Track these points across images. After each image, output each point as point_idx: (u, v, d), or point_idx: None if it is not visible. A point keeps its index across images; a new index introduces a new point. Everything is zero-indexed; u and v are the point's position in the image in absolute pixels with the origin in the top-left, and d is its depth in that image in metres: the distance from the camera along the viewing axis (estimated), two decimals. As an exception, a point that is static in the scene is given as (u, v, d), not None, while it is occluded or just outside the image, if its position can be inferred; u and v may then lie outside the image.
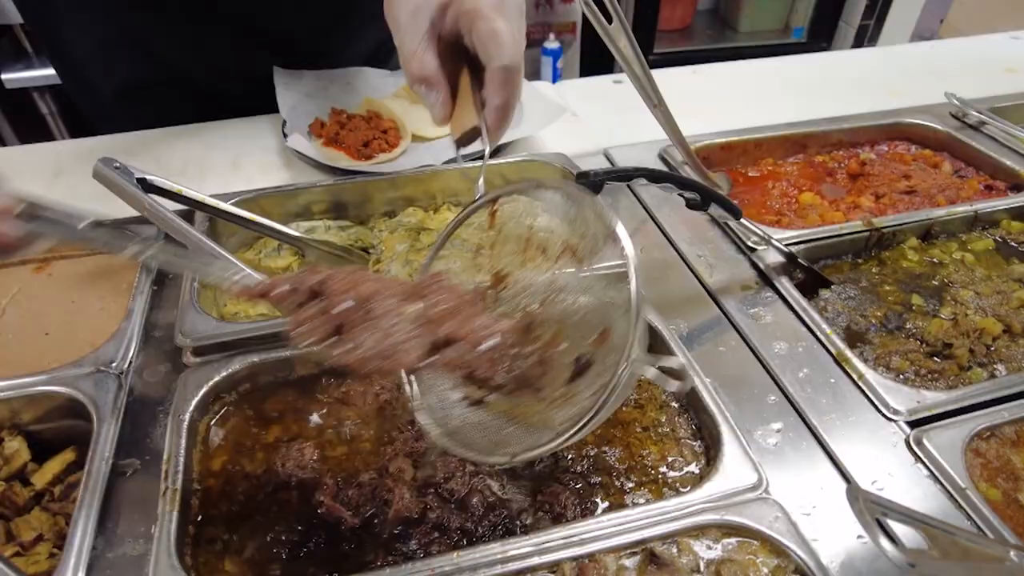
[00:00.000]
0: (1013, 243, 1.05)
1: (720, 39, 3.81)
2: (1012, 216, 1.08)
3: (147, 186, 0.91)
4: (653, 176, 0.77)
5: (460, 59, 0.76)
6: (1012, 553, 0.57)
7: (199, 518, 0.69)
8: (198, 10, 1.20)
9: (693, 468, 0.73)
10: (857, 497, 0.48)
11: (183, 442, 0.72)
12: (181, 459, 0.70)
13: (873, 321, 0.90)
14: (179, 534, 0.64)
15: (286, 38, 1.30)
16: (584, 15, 0.91)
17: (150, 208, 0.89)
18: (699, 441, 0.76)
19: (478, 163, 0.79)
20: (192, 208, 0.96)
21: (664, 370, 0.57)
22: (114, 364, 0.80)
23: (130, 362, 0.81)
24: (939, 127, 1.28)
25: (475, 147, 0.78)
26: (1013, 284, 0.95)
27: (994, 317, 0.89)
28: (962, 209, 1.05)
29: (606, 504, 0.70)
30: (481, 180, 0.75)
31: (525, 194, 0.72)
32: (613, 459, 0.74)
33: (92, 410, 0.74)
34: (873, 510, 0.49)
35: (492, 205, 0.72)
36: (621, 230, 0.61)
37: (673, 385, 0.56)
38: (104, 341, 0.83)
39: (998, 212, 1.07)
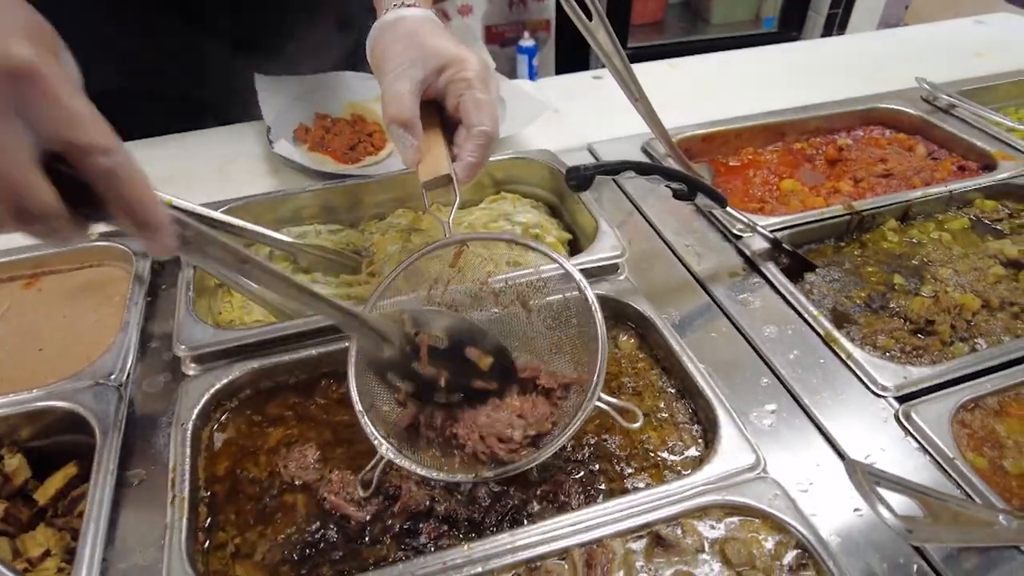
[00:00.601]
0: (987, 221, 1.09)
1: (692, 31, 3.85)
2: (985, 195, 1.11)
3: (136, 197, 0.90)
4: (641, 169, 0.79)
5: (431, 118, 0.83)
6: (1001, 517, 0.60)
7: (207, 524, 0.70)
8: (171, 15, 1.19)
9: (692, 452, 0.75)
10: (855, 469, 0.50)
11: (188, 450, 0.72)
12: (187, 467, 0.71)
13: (858, 302, 0.93)
14: (189, 541, 0.65)
15: (260, 39, 1.30)
16: (559, 12, 0.94)
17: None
18: (697, 425, 0.78)
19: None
20: (182, 218, 0.96)
21: (616, 409, 0.67)
22: (113, 376, 0.80)
23: (128, 374, 0.81)
24: (912, 111, 1.31)
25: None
26: (989, 260, 0.98)
27: (972, 293, 0.92)
28: (937, 190, 1.08)
29: (608, 491, 0.71)
30: (451, 220, 0.80)
31: (495, 245, 0.80)
32: (613, 446, 0.76)
33: (94, 423, 0.74)
34: (871, 481, 0.51)
35: (460, 246, 0.78)
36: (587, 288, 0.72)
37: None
38: (101, 354, 0.83)
39: (971, 192, 1.10)
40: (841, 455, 0.72)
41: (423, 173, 0.81)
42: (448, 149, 0.83)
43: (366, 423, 0.69)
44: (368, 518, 0.70)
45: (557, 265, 0.76)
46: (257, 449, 0.77)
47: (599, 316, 0.71)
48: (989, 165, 1.17)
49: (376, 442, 0.68)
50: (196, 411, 0.76)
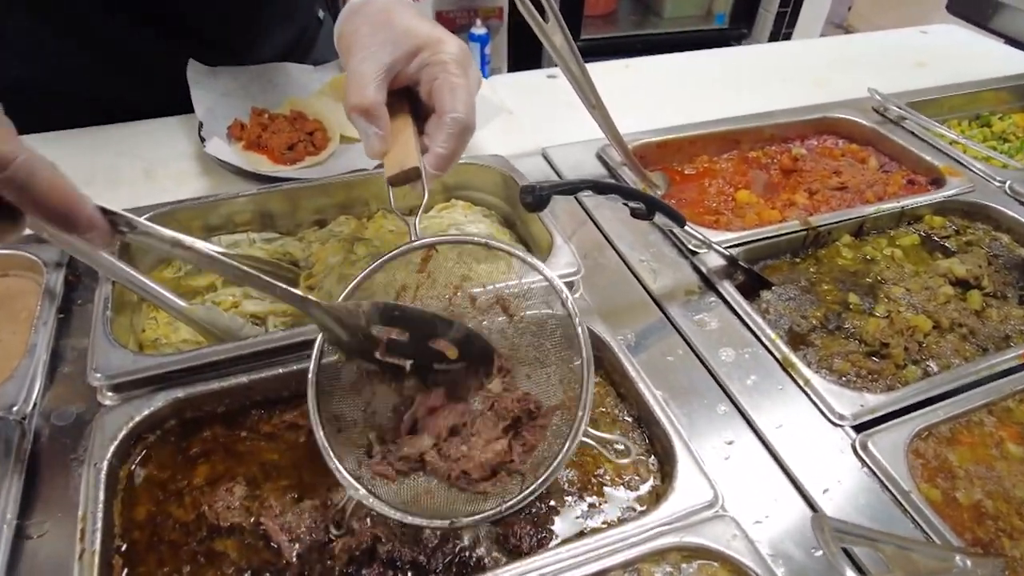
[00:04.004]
0: (935, 238, 1.09)
1: (644, 25, 3.84)
2: (933, 211, 1.12)
3: (45, 204, 0.82)
4: (599, 188, 0.75)
5: (401, 106, 0.76)
6: (957, 558, 0.59)
7: (123, 578, 0.63)
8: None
9: (648, 486, 0.72)
10: (823, 528, 0.48)
11: (101, 494, 0.65)
12: (99, 514, 0.64)
13: (814, 321, 0.92)
14: (100, 603, 0.58)
15: (196, 27, 1.20)
16: (512, 6, 0.88)
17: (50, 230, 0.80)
18: (653, 457, 0.75)
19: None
20: (99, 225, 0.88)
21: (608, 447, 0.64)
22: (15, 408, 0.72)
23: (34, 405, 0.73)
24: (864, 122, 1.31)
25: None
26: (939, 280, 0.98)
27: (924, 314, 0.92)
28: (890, 206, 1.08)
29: (562, 530, 0.68)
30: (418, 222, 0.72)
31: (467, 246, 0.72)
32: (567, 481, 0.72)
33: (-10, 465, 0.67)
34: (837, 539, 0.48)
35: (428, 250, 0.71)
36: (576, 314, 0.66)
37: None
38: (1, 382, 0.74)
39: (921, 208, 1.11)
40: (800, 489, 0.70)
41: (389, 167, 0.73)
42: (419, 141, 0.75)
43: (331, 459, 0.62)
44: (298, 556, 0.65)
45: (538, 276, 0.69)
46: (182, 489, 0.70)
47: (584, 338, 0.65)
48: (937, 180, 1.18)
49: (344, 482, 0.61)
50: (112, 448, 0.69)
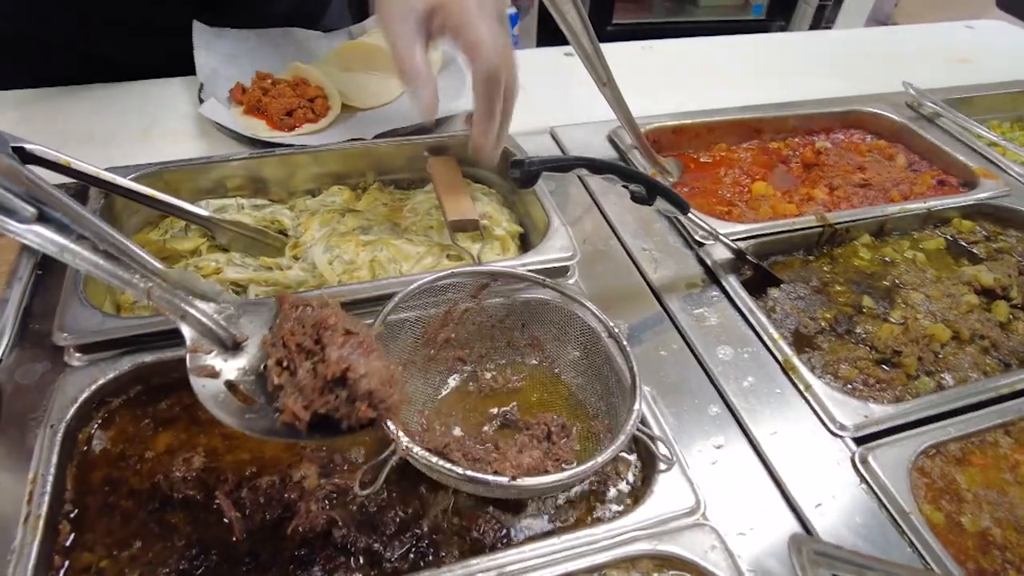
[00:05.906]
0: (963, 243, 1.02)
1: (679, 12, 3.74)
2: (963, 215, 1.05)
3: (26, 156, 0.79)
4: (595, 167, 0.70)
5: (454, 169, 0.94)
6: (954, 589, 0.54)
7: (70, 543, 0.61)
8: None
9: (626, 486, 0.68)
10: (800, 550, 0.43)
11: (55, 457, 0.63)
12: (51, 477, 0.61)
13: (823, 324, 0.86)
14: (39, 569, 0.56)
15: None
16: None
17: (29, 183, 0.77)
18: (634, 455, 0.70)
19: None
20: (85, 183, 0.85)
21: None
22: (-22, 364, 0.70)
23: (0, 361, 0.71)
24: (895, 117, 1.24)
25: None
26: (962, 287, 0.92)
27: (943, 322, 0.86)
28: (915, 206, 1.01)
29: (530, 527, 0.64)
30: (479, 255, 0.86)
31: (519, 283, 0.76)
32: (542, 475, 0.68)
33: (-54, 419, 0.65)
34: (817, 563, 0.44)
35: (488, 279, 0.74)
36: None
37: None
38: (-32, 336, 0.73)
39: (949, 210, 1.04)
40: (790, 502, 0.66)
41: (450, 212, 0.89)
42: (470, 191, 0.92)
43: None
44: (255, 528, 0.62)
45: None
46: (141, 457, 0.68)
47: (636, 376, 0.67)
48: (970, 182, 1.11)
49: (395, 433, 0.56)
50: (72, 410, 0.67)
